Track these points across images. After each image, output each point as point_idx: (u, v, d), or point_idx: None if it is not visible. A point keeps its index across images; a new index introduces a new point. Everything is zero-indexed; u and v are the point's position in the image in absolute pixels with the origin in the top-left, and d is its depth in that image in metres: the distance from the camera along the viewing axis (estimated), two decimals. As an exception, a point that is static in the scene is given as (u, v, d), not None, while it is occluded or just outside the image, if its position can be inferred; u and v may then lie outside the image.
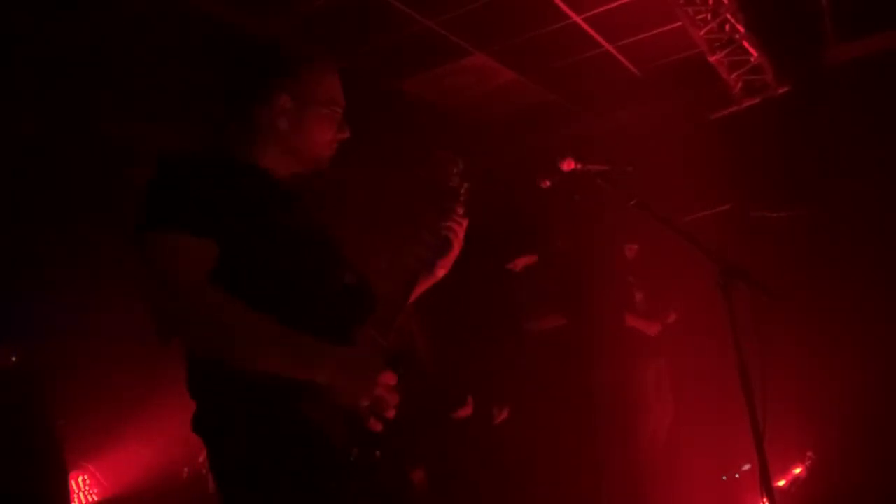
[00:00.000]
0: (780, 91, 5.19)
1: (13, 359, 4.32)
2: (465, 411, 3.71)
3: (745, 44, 4.65)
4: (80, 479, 4.71)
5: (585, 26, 4.54)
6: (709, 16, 4.38)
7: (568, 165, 3.06)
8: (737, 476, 4.87)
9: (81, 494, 4.68)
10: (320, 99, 1.97)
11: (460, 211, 2.08)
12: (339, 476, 1.71)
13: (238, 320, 1.65)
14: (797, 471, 4.71)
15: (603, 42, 4.79)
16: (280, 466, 1.68)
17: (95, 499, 4.74)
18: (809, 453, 4.71)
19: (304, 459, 1.69)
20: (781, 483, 4.61)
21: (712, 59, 4.70)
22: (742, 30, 4.53)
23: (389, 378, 1.74)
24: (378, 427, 1.73)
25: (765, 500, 2.41)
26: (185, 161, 1.81)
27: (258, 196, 1.85)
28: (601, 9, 4.34)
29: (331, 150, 2.02)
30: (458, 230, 2.08)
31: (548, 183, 3.27)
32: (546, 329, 4.78)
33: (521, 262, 4.74)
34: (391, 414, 1.74)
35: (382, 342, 1.82)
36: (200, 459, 4.69)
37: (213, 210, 1.72)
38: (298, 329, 1.70)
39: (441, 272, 2.12)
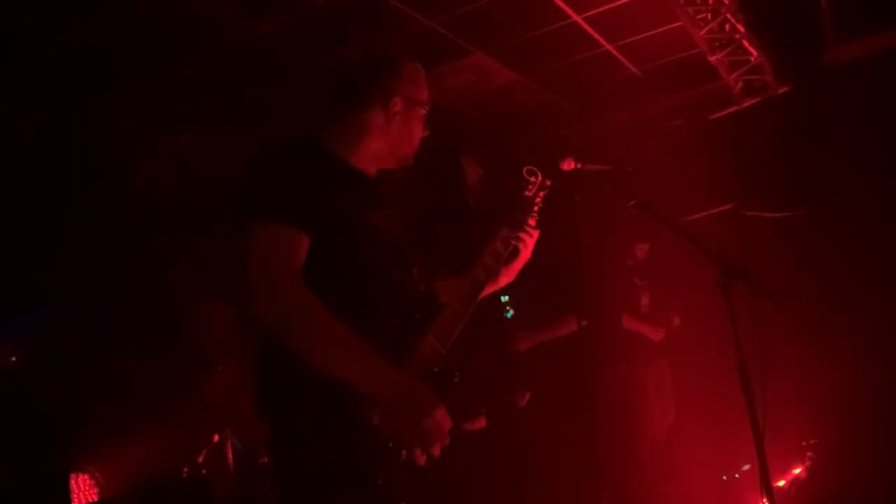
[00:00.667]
0: (780, 91, 5.19)
1: (13, 359, 4.32)
2: (479, 423, 3.71)
3: (745, 44, 4.65)
4: (80, 478, 4.70)
5: (585, 26, 4.54)
6: (709, 15, 4.38)
7: (568, 165, 3.06)
8: (737, 476, 4.88)
9: (81, 494, 4.68)
10: (419, 100, 2.11)
11: (532, 222, 2.15)
12: (388, 470, 1.76)
13: (323, 324, 1.72)
14: (797, 471, 4.72)
15: (603, 42, 4.79)
16: (334, 455, 1.75)
17: (95, 498, 4.74)
18: (809, 453, 4.71)
19: (357, 450, 1.75)
20: (781, 483, 4.62)
21: (712, 59, 4.71)
22: (742, 30, 4.53)
23: (441, 415, 1.73)
24: (422, 461, 1.75)
25: (765, 500, 2.41)
26: (289, 153, 1.90)
27: (347, 193, 1.93)
28: (601, 8, 4.34)
29: (416, 148, 2.14)
30: (529, 241, 2.15)
31: (548, 183, 3.27)
32: (561, 336, 4.78)
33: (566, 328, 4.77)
34: (436, 452, 1.75)
35: (442, 351, 1.89)
36: (201, 459, 4.69)
37: (312, 206, 1.81)
38: (366, 330, 1.76)
39: (504, 281, 2.20)
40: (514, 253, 2.15)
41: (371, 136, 2.03)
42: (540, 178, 2.16)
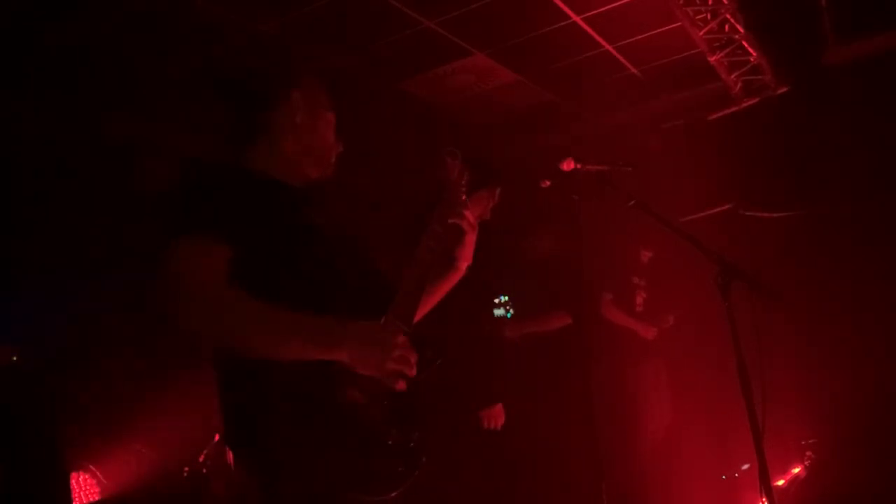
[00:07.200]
0: (780, 91, 5.19)
1: (14, 358, 4.32)
2: (498, 420, 3.70)
3: (745, 44, 4.65)
4: (80, 478, 4.71)
5: (585, 26, 4.54)
6: (708, 16, 4.38)
7: (568, 165, 3.07)
8: (736, 476, 4.88)
9: (82, 493, 4.69)
10: (322, 103, 2.07)
11: (464, 199, 2.13)
12: (380, 457, 1.76)
13: (254, 312, 1.70)
14: (796, 470, 4.72)
15: (603, 42, 4.79)
16: (321, 450, 1.72)
17: (96, 497, 4.74)
18: (809, 453, 4.71)
19: (344, 442, 1.73)
20: (781, 483, 4.62)
21: (712, 59, 4.71)
22: (742, 30, 4.53)
23: (401, 341, 1.79)
24: (402, 387, 1.79)
25: (764, 499, 2.41)
26: (202, 171, 1.87)
27: (275, 202, 1.90)
28: (601, 9, 4.35)
29: (333, 156, 2.10)
30: (468, 217, 2.13)
31: (548, 183, 3.28)
32: (553, 330, 4.79)
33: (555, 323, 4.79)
34: (413, 372, 1.80)
35: (407, 330, 1.87)
36: (201, 459, 4.69)
37: (231, 217, 1.77)
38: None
39: (464, 264, 2.18)
40: (459, 232, 2.13)
41: (280, 139, 2.00)
42: (460, 156, 2.13)
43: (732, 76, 5.01)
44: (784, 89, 5.19)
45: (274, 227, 1.83)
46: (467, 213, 2.13)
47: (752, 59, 4.84)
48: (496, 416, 3.71)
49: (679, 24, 4.50)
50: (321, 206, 2.04)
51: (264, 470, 1.77)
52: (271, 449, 1.74)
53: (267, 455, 1.75)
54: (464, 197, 2.13)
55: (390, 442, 1.78)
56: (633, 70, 5.26)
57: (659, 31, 4.71)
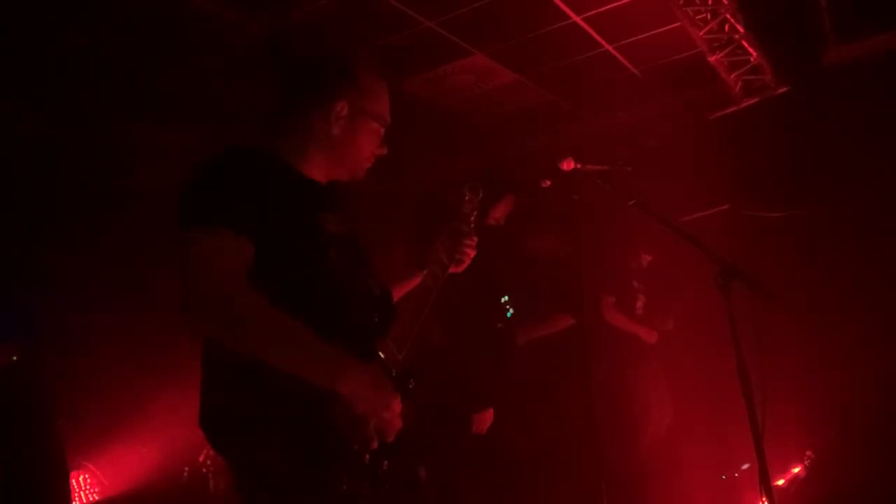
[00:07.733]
0: (780, 91, 5.19)
1: (14, 358, 4.32)
2: (484, 425, 3.70)
3: (745, 44, 4.65)
4: (80, 478, 4.71)
5: (585, 26, 4.54)
6: (708, 16, 4.38)
7: (568, 165, 3.08)
8: (736, 476, 4.88)
9: (82, 493, 4.69)
10: (372, 112, 2.00)
11: (473, 236, 2.19)
12: (351, 477, 1.74)
13: (266, 320, 1.65)
14: (796, 470, 4.72)
15: (603, 42, 4.79)
16: (295, 462, 1.70)
17: (96, 497, 4.75)
18: (809, 453, 4.71)
19: (319, 457, 1.71)
20: (781, 482, 4.62)
21: (712, 59, 4.71)
22: (742, 30, 4.53)
23: (397, 405, 1.78)
24: (374, 445, 1.76)
25: (764, 499, 2.41)
26: (230, 159, 1.82)
27: (299, 198, 1.87)
28: (601, 9, 4.34)
29: (369, 163, 2.06)
30: (469, 254, 2.20)
31: (548, 183, 3.29)
32: (555, 332, 4.79)
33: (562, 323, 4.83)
34: (390, 438, 1.78)
35: (399, 356, 1.88)
36: (201, 459, 4.70)
37: (253, 209, 1.73)
38: (328, 332, 1.71)
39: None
40: (458, 265, 2.21)
41: (314, 140, 1.95)
42: (480, 194, 2.19)
43: (732, 76, 5.01)
44: (784, 89, 5.18)
45: (294, 226, 1.81)
46: (470, 252, 2.19)
47: (752, 59, 4.83)
48: (484, 421, 3.72)
49: (679, 24, 4.49)
50: (338, 208, 2.01)
51: (238, 467, 1.78)
52: (248, 449, 1.74)
53: (243, 455, 1.76)
54: (473, 235, 2.18)
55: (363, 463, 1.76)
56: (633, 70, 5.26)
57: (659, 31, 4.71)
